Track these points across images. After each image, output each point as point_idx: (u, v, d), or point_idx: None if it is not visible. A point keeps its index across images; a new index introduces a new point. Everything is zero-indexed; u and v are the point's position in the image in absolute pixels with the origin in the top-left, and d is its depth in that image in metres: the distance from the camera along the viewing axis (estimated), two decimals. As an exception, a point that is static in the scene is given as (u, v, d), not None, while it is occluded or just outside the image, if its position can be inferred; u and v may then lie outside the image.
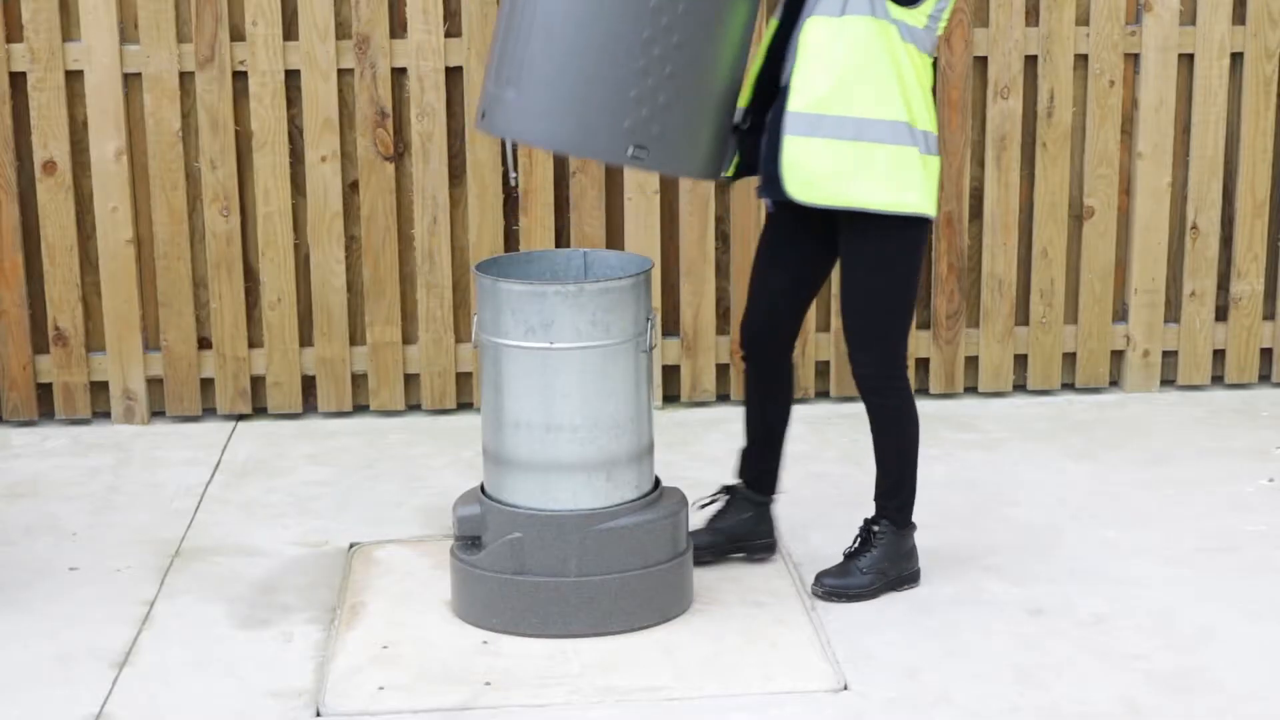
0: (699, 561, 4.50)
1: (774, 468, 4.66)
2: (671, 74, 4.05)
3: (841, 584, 4.45)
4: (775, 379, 4.60)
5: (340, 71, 5.81)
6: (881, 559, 4.46)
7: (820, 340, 6.07)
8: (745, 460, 4.67)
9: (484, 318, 4.25)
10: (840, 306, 4.42)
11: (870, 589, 4.44)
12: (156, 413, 6.00)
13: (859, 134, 4.14)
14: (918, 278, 4.34)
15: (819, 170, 4.15)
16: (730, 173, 4.35)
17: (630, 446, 4.26)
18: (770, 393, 4.60)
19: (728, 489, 4.69)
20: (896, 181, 4.17)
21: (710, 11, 4.07)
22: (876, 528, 4.50)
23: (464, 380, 6.04)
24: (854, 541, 4.53)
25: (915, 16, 4.15)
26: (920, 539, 4.70)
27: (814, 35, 4.14)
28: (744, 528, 4.65)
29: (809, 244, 4.42)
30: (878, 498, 4.53)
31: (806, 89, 4.14)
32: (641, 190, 5.92)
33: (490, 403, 4.29)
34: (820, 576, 4.47)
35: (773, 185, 4.24)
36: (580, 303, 4.14)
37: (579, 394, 4.18)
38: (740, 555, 4.65)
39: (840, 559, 4.52)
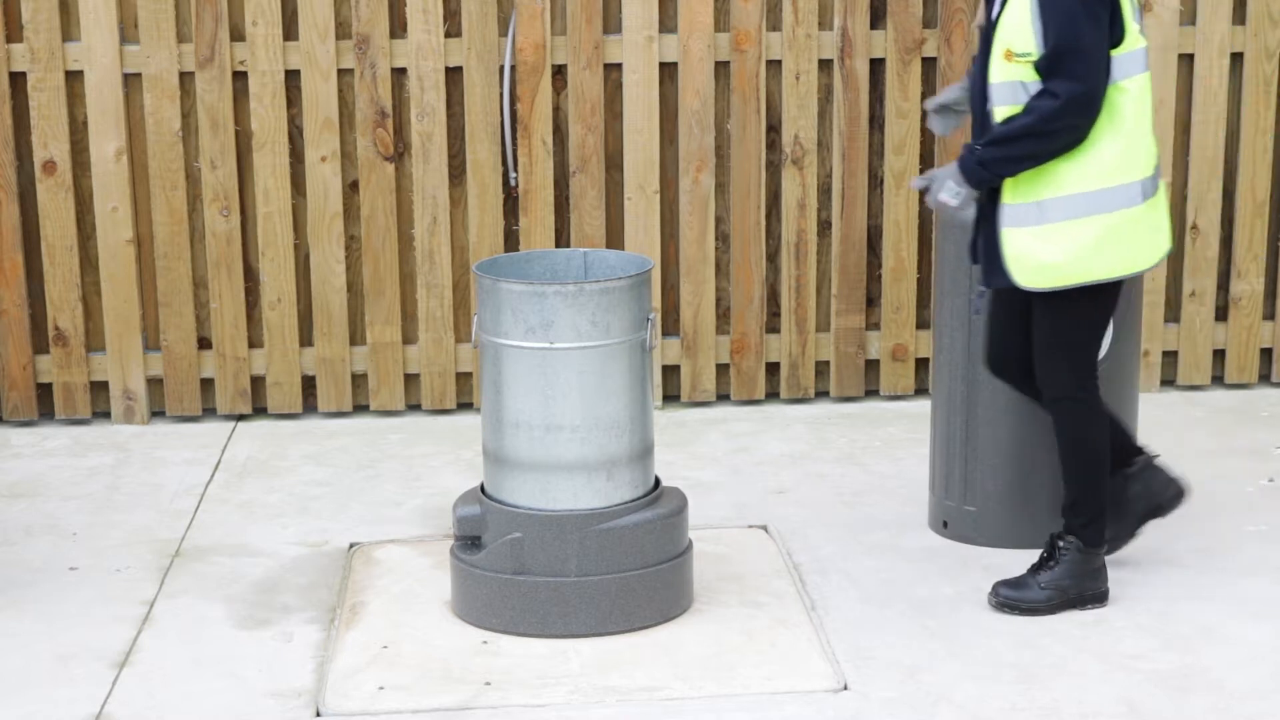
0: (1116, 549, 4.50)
1: (1123, 439, 4.56)
2: None
3: (1016, 596, 4.36)
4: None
5: (340, 71, 5.81)
6: (1063, 576, 4.35)
7: (820, 340, 6.07)
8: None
9: (484, 318, 4.25)
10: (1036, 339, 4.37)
11: (1048, 604, 4.34)
12: (156, 413, 6.00)
13: (1089, 209, 4.17)
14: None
15: (1047, 260, 4.20)
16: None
17: (630, 446, 4.26)
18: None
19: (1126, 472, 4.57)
20: (1126, 243, 4.21)
21: None
22: (1062, 543, 4.38)
23: (464, 380, 6.04)
24: (1041, 555, 4.42)
25: (1128, 41, 4.18)
26: (920, 539, 4.71)
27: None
28: (1152, 495, 4.58)
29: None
30: (1064, 512, 4.42)
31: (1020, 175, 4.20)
32: (641, 190, 5.92)
33: (490, 402, 4.29)
34: (997, 586, 4.39)
35: (997, 275, 4.27)
36: (580, 303, 4.14)
37: (579, 394, 4.18)
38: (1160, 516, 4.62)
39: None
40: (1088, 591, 4.38)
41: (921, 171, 6.00)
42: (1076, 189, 4.16)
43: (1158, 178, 4.28)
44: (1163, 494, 4.58)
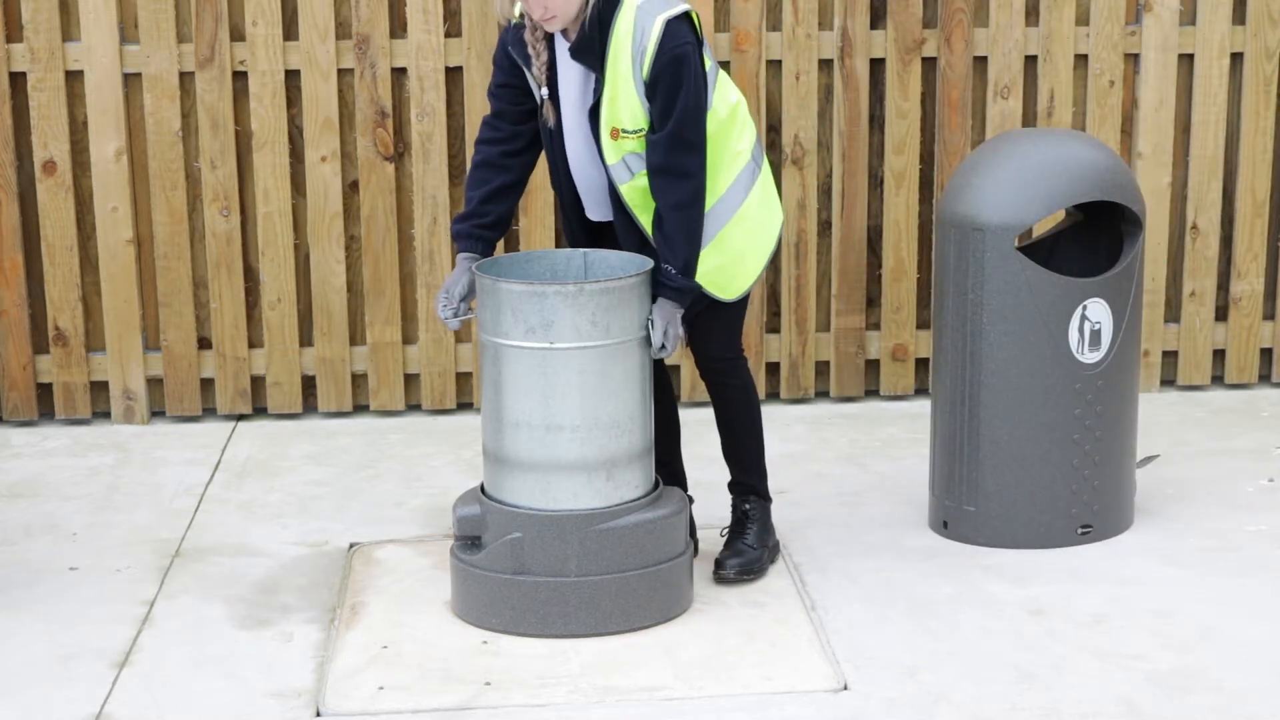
0: None
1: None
2: None
3: (745, 563, 4.55)
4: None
5: (340, 71, 5.81)
6: (762, 530, 4.62)
7: (820, 340, 6.07)
8: None
9: (484, 318, 4.25)
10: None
11: (768, 559, 4.61)
12: (156, 413, 6.00)
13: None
14: None
15: None
16: None
17: (630, 446, 4.26)
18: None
19: None
20: None
21: None
22: (748, 505, 4.62)
23: (464, 380, 6.04)
24: (735, 523, 4.64)
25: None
26: (920, 539, 4.71)
27: None
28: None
29: None
30: (740, 477, 4.63)
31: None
32: (641, 190, 5.91)
33: (490, 402, 4.29)
34: (723, 561, 4.54)
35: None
36: (580, 303, 4.14)
37: (579, 394, 4.18)
38: None
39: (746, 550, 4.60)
40: (772, 540, 4.65)
41: (921, 172, 5.99)
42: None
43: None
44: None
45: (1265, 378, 6.28)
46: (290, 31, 5.78)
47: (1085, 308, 4.68)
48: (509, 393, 4.22)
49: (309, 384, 6.01)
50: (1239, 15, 6.02)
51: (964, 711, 3.88)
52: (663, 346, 4.26)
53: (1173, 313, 6.21)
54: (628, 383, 4.24)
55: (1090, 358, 4.70)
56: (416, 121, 5.83)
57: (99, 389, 5.97)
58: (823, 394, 6.14)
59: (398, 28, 5.82)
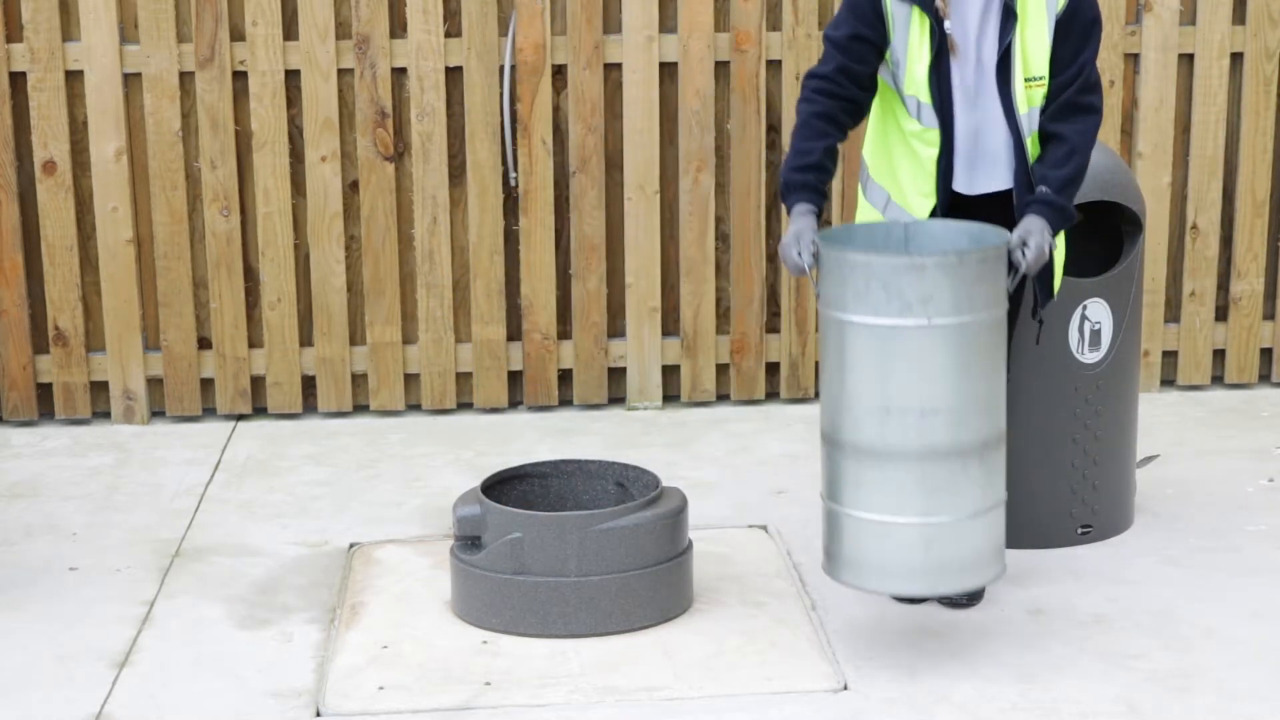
0: None
1: None
2: None
3: None
4: None
5: (340, 71, 5.81)
6: None
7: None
8: None
9: (843, 296, 3.88)
10: None
11: None
12: (156, 413, 6.00)
13: None
14: None
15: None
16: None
17: (1000, 428, 4.00)
18: None
19: None
20: None
21: None
22: None
23: (464, 380, 6.04)
24: None
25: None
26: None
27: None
28: None
29: None
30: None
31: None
32: (641, 190, 5.92)
33: (852, 389, 3.92)
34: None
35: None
36: (961, 275, 3.82)
37: (956, 373, 3.87)
38: None
39: None
40: None
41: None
42: None
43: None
44: None
45: (1265, 378, 6.28)
46: (290, 31, 5.78)
47: (1085, 308, 4.68)
48: (878, 376, 3.87)
49: (309, 384, 6.01)
50: (1239, 15, 6.02)
51: (964, 711, 3.88)
52: (1022, 263, 3.96)
53: (1173, 313, 6.21)
54: (996, 360, 3.96)
55: (1090, 358, 4.70)
56: (416, 121, 5.83)
57: (99, 389, 5.97)
58: (823, 394, 6.14)
59: (398, 28, 5.82)
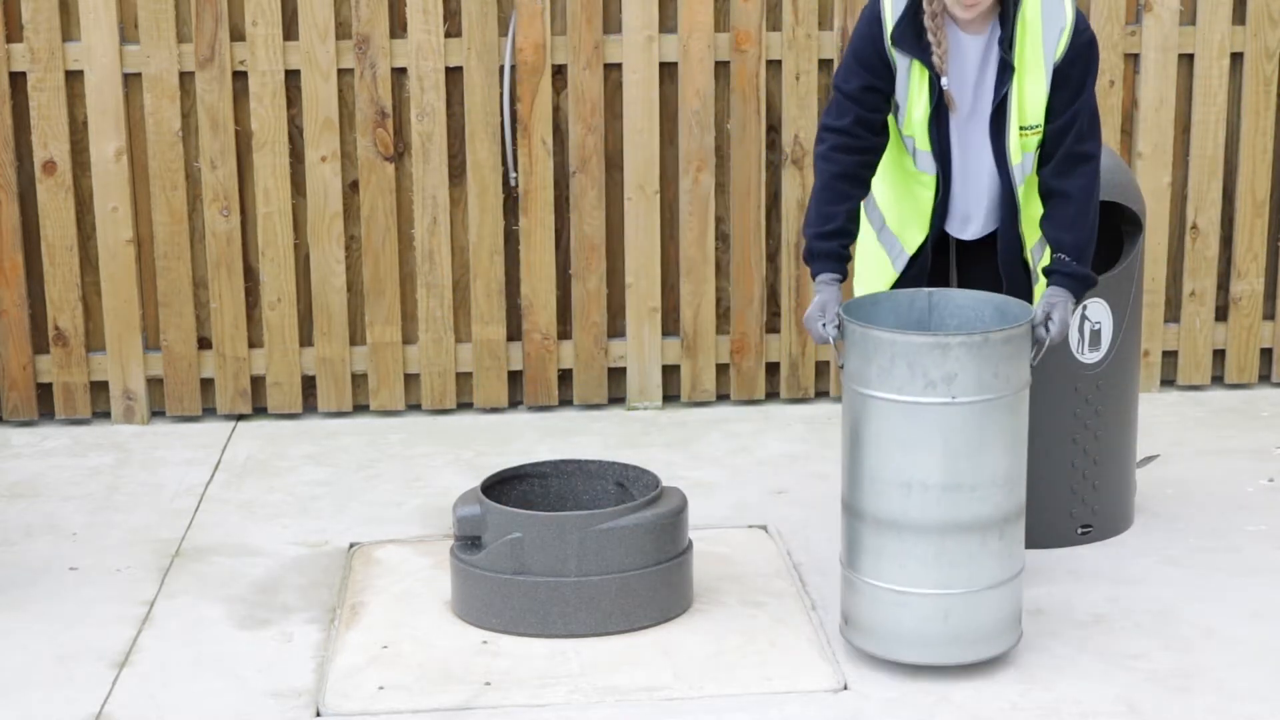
0: None
1: None
2: None
3: None
4: None
5: (340, 71, 5.81)
6: None
7: (820, 340, 6.07)
8: None
9: (866, 372, 3.92)
10: None
11: None
12: (156, 413, 6.00)
13: None
14: None
15: None
16: None
17: (1020, 502, 4.02)
18: None
19: None
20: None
21: None
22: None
23: (464, 380, 6.04)
24: None
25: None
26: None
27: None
28: None
29: None
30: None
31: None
32: (641, 190, 5.92)
33: (871, 461, 3.96)
34: None
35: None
36: (985, 354, 3.85)
37: (979, 450, 3.89)
38: None
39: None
40: None
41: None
42: None
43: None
44: None
45: (1265, 378, 6.28)
46: (290, 31, 5.78)
47: (1085, 308, 4.68)
48: (901, 451, 3.90)
49: (309, 384, 6.01)
50: (1239, 15, 6.02)
51: (964, 711, 3.88)
52: (1046, 339, 3.98)
53: (1173, 313, 6.21)
54: (1018, 436, 3.97)
55: (1090, 358, 4.70)
56: (416, 121, 5.83)
57: (99, 389, 5.97)
58: (823, 394, 6.14)
59: (398, 28, 5.82)
